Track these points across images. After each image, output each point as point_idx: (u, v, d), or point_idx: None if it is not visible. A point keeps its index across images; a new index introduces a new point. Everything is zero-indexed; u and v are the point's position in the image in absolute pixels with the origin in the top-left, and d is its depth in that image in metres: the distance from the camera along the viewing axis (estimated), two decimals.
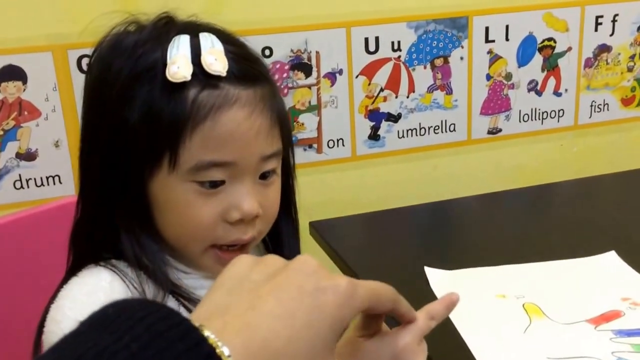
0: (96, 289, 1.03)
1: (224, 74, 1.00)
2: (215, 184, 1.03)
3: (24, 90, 1.98)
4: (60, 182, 2.06)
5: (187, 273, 1.11)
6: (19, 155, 2.02)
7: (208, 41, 1.02)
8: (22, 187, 2.04)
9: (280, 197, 1.15)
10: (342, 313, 0.65)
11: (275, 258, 0.69)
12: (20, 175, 2.04)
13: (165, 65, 0.99)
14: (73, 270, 1.09)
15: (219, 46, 1.02)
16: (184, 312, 1.07)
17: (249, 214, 1.04)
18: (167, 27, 1.05)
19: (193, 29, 1.04)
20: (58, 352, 0.59)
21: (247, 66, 1.04)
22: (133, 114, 1.01)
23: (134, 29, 1.06)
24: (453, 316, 1.34)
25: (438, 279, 1.51)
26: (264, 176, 1.07)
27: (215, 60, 1.00)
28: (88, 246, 1.10)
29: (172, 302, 1.06)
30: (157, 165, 1.02)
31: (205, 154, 1.00)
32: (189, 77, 0.98)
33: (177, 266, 1.11)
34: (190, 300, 1.08)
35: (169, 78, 0.98)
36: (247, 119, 1.01)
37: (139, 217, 1.07)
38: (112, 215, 1.06)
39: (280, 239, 1.21)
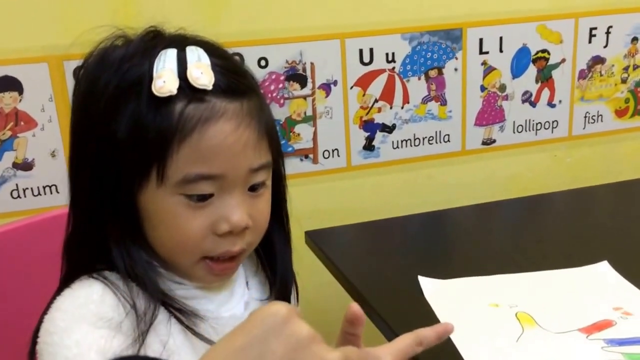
0: (87, 302, 1.03)
1: (209, 87, 1.00)
2: (203, 197, 1.03)
3: (20, 100, 1.99)
4: (57, 192, 2.07)
5: (179, 284, 1.12)
6: (15, 165, 2.03)
7: (194, 55, 1.03)
8: (19, 196, 2.05)
9: (272, 208, 1.16)
10: None
11: (300, 328, 0.74)
12: (17, 184, 2.05)
13: (151, 79, 1.00)
14: (66, 281, 1.09)
15: (205, 59, 1.02)
16: (174, 323, 1.08)
17: (237, 226, 1.05)
18: (154, 41, 1.06)
19: (180, 42, 1.05)
20: None
21: (234, 79, 1.04)
22: (120, 127, 1.01)
23: (121, 43, 1.07)
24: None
25: (432, 288, 1.52)
26: (253, 188, 1.08)
27: (202, 74, 1.01)
28: (80, 258, 1.11)
29: (163, 314, 1.07)
30: (146, 179, 1.03)
31: (193, 167, 1.01)
32: (175, 92, 0.99)
33: (169, 277, 1.11)
34: (181, 311, 1.08)
35: (155, 92, 0.99)
36: (234, 131, 1.02)
37: (129, 229, 1.07)
38: (103, 227, 1.07)
39: (273, 250, 1.22)
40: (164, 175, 1.01)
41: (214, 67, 1.02)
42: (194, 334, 1.07)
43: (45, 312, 1.05)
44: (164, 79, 0.99)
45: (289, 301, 1.22)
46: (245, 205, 1.06)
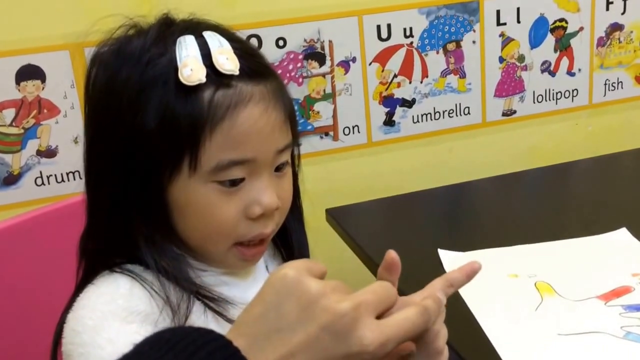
0: (115, 297, 1.02)
1: (237, 72, 1.00)
2: (235, 182, 1.03)
3: (43, 88, 2.02)
4: (80, 178, 2.05)
5: (204, 271, 1.12)
6: (39, 153, 2.06)
7: (215, 41, 1.02)
8: (43, 183, 2.08)
9: None
10: None
11: (308, 286, 0.75)
12: (41, 172, 2.07)
13: (176, 68, 0.99)
14: (86, 277, 1.09)
15: (226, 45, 1.02)
16: (209, 314, 1.08)
17: (269, 207, 1.05)
18: (170, 30, 1.05)
19: (195, 28, 1.04)
20: None
21: (254, 62, 1.05)
22: (148, 119, 1.00)
23: (136, 33, 1.06)
24: (466, 296, 1.37)
25: (451, 261, 1.53)
26: (278, 168, 1.08)
27: (227, 59, 1.00)
28: (99, 252, 1.09)
29: (198, 306, 1.07)
30: (177, 169, 1.02)
31: (225, 153, 1.01)
32: (204, 80, 0.98)
33: (197, 265, 1.11)
34: (212, 299, 1.07)
35: (183, 81, 0.98)
36: (263, 114, 1.02)
37: (158, 223, 1.06)
38: (127, 222, 1.05)
39: (288, 230, 1.22)
40: (196, 165, 1.01)
41: (235, 51, 1.02)
42: (227, 320, 1.07)
43: (67, 310, 1.05)
44: (191, 67, 0.99)
45: None
46: (274, 186, 1.07)
